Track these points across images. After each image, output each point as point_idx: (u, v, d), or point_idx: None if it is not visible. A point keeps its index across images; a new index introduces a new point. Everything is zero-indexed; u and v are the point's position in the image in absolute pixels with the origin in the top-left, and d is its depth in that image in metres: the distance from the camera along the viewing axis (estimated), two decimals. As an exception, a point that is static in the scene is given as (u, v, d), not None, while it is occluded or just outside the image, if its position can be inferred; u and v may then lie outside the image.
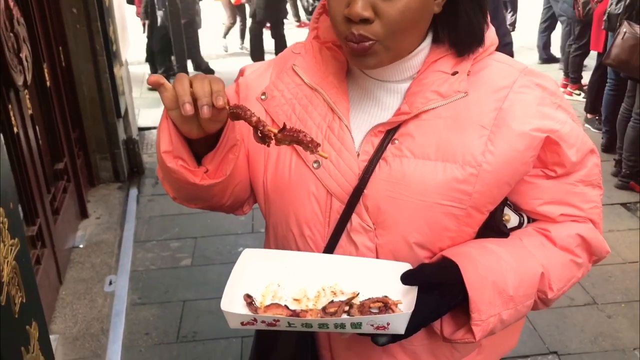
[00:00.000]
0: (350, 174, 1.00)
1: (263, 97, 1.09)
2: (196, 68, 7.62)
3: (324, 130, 1.03)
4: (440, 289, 0.96)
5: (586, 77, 5.69)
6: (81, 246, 3.51)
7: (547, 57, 7.18)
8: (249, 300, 0.96)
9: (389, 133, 1.00)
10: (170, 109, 0.91)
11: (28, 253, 1.54)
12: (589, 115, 5.05)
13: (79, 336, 2.78)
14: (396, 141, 0.99)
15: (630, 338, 2.71)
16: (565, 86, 6.00)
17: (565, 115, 1.02)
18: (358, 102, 1.05)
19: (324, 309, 0.94)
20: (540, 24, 6.98)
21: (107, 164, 4.31)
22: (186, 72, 6.00)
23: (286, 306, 0.95)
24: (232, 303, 0.94)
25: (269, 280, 1.01)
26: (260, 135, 0.91)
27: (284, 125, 0.91)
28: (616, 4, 4.00)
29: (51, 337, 2.77)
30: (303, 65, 1.08)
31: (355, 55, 0.95)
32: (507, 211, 1.06)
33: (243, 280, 0.99)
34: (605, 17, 4.21)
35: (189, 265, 3.41)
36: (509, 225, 1.06)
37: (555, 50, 7.06)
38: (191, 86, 0.89)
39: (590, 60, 5.60)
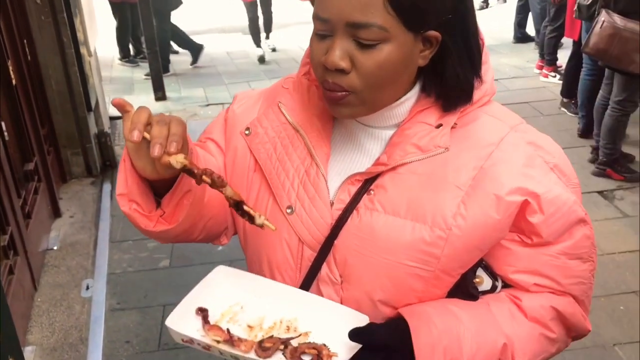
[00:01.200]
0: (322, 223, 0.98)
1: (247, 132, 1.06)
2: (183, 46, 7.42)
3: (300, 175, 1.01)
4: (385, 351, 0.92)
5: (561, 57, 5.70)
6: (55, 248, 3.42)
7: (521, 36, 7.19)
8: (203, 314, 0.97)
9: (367, 182, 0.97)
10: (126, 138, 0.87)
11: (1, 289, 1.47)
12: (564, 99, 5.06)
13: (57, 346, 2.71)
14: (372, 192, 0.96)
15: (610, 334, 2.74)
16: (540, 67, 6.01)
17: (556, 179, 0.95)
18: (340, 146, 1.02)
19: (260, 342, 0.93)
20: (517, 4, 6.96)
21: (79, 159, 4.19)
22: (157, 57, 5.85)
23: (228, 330, 0.95)
24: (183, 315, 0.97)
25: (235, 301, 1.01)
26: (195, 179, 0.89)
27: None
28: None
29: (28, 348, 2.72)
30: (289, 103, 1.04)
31: (329, 103, 0.93)
32: (481, 273, 1.01)
33: (207, 296, 1.00)
34: (575, 7, 4.19)
35: (167, 266, 3.34)
36: (481, 288, 1.01)
37: (530, 29, 7.07)
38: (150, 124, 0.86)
39: (567, 40, 5.58)
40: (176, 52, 7.62)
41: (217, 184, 0.88)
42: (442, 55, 0.91)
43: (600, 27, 3.70)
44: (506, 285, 1.02)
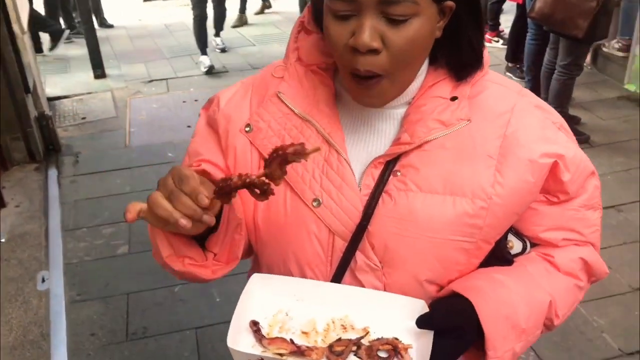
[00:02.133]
0: (354, 211, 0.94)
1: (248, 129, 1.00)
2: (100, 24, 7.12)
3: (320, 165, 0.96)
4: (456, 332, 0.93)
5: (504, 22, 5.79)
6: (3, 240, 3.25)
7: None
8: (255, 327, 0.92)
9: (389, 164, 0.95)
10: (164, 229, 0.83)
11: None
12: (509, 64, 5.15)
13: (16, 344, 2.59)
14: (398, 173, 0.94)
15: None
16: (483, 33, 6.07)
17: (566, 137, 1.00)
18: (352, 131, 0.99)
19: (330, 347, 0.90)
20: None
21: (20, 144, 3.97)
22: (93, 30, 5.57)
23: (292, 340, 0.91)
24: (238, 335, 0.90)
25: (277, 308, 0.96)
26: (258, 191, 0.81)
27: (266, 157, 0.80)
28: None
29: (-14, 349, 2.59)
30: (289, 92, 0.99)
31: (359, 93, 0.91)
32: (511, 237, 1.04)
33: (250, 308, 0.95)
34: None
35: (126, 252, 3.23)
36: (513, 252, 1.04)
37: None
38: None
39: (509, 6, 5.66)
40: (111, 26, 7.31)
41: (261, 184, 0.80)
42: (457, 25, 0.90)
43: (546, -8, 3.75)
44: (532, 245, 1.06)
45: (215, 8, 5.86)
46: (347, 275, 0.97)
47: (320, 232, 0.96)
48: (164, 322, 2.73)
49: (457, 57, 0.94)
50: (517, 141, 0.94)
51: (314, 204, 0.95)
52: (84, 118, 4.84)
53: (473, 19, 0.91)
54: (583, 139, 4.06)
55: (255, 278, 0.97)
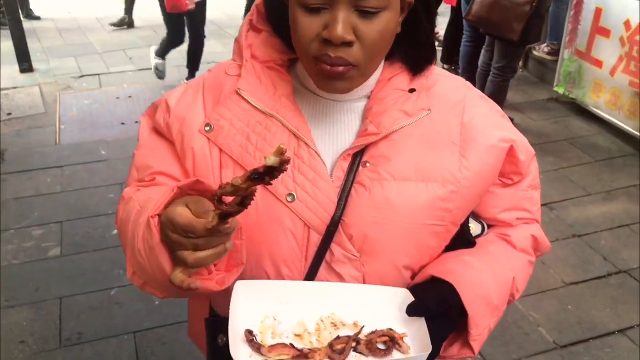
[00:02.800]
0: (329, 203, 0.95)
1: (208, 128, 0.97)
2: (26, 16, 6.80)
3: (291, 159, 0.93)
4: (445, 316, 0.97)
5: (438, 24, 5.90)
6: None
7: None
8: (250, 337, 0.89)
9: (357, 155, 0.96)
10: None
11: None
12: (445, 65, 5.26)
13: (-62, 355, 2.43)
14: (367, 164, 0.95)
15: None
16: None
17: (510, 124, 1.07)
18: (316, 125, 0.99)
19: (330, 345, 0.90)
20: None
21: (-61, 141, 3.73)
22: (19, 21, 5.30)
23: (291, 344, 0.89)
24: (237, 348, 0.87)
25: (264, 314, 0.95)
26: (242, 203, 0.76)
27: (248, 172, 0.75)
28: None
29: None
30: (249, 88, 0.98)
31: (324, 78, 0.89)
32: (470, 220, 1.09)
33: (239, 318, 0.92)
34: None
35: (58, 255, 3.08)
36: (474, 234, 1.10)
37: None
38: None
39: (443, 8, 5.77)
40: (38, 18, 6.99)
41: (249, 194, 0.75)
42: (415, 20, 0.93)
43: (482, -4, 3.85)
44: (489, 226, 1.13)
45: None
46: (322, 269, 0.97)
47: (295, 227, 0.95)
48: (100, 326, 2.62)
49: (415, 51, 0.97)
50: (476, 128, 1.00)
51: (288, 199, 0.94)
52: (9, 114, 4.59)
53: (428, 14, 0.95)
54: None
55: (237, 287, 0.93)
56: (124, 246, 0.97)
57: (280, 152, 0.70)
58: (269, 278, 0.98)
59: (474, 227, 1.09)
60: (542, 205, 3.43)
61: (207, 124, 0.97)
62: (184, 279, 0.81)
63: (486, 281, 1.00)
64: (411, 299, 0.95)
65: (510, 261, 1.07)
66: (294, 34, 0.88)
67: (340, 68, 0.86)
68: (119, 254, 3.06)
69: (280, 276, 0.98)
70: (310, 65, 0.90)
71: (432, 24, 0.97)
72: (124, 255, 0.96)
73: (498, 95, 4.13)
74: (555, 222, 3.38)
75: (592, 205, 3.54)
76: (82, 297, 2.79)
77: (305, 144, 0.95)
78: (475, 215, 1.10)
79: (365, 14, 0.84)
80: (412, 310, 0.94)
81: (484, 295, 0.98)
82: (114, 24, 6.72)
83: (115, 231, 3.23)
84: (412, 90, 0.98)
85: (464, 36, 4.62)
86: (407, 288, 0.99)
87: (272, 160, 0.71)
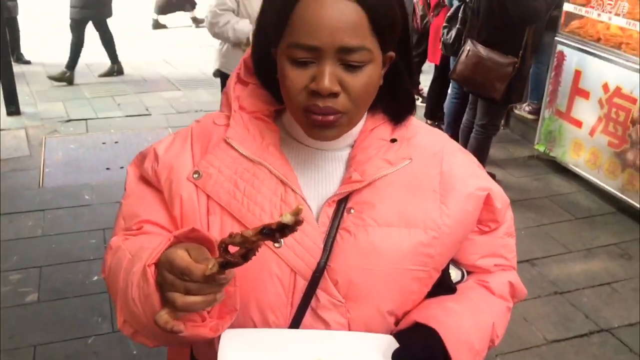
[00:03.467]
0: (315, 248, 0.96)
1: (196, 176, 0.99)
2: (17, 60, 6.85)
3: (277, 206, 0.97)
4: None
5: (422, 81, 6.04)
6: None
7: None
8: None
9: (341, 202, 0.99)
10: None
11: None
12: (428, 121, 5.36)
13: None
14: (352, 210, 0.98)
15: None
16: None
17: (486, 174, 1.12)
18: (302, 172, 1.02)
19: None
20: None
21: None
22: (9, 64, 5.34)
23: None
24: None
25: None
26: (246, 256, 0.77)
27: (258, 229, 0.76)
28: (447, 34, 4.30)
29: None
30: (237, 137, 1.01)
31: (315, 127, 0.93)
32: (451, 267, 1.12)
33: None
34: (441, 45, 4.50)
35: (35, 301, 3.02)
36: (454, 280, 1.13)
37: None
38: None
39: (427, 66, 5.92)
40: (28, 62, 7.04)
41: (254, 248, 0.76)
42: (395, 74, 0.98)
43: (466, 56, 3.97)
44: (468, 273, 1.15)
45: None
46: (308, 315, 0.98)
47: (282, 273, 0.96)
48: (75, 376, 2.56)
49: (396, 102, 1.03)
50: (455, 177, 1.04)
51: (276, 244, 0.95)
52: (-6, 156, 4.58)
53: (407, 68, 1.01)
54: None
55: (225, 337, 0.93)
56: (113, 295, 0.97)
57: (296, 212, 0.72)
58: (255, 325, 0.98)
59: (454, 274, 1.12)
60: (524, 261, 3.46)
61: (196, 172, 0.99)
62: (168, 320, 0.80)
63: (468, 327, 1.02)
64: (396, 345, 0.96)
65: (490, 307, 1.10)
66: (283, 86, 0.92)
67: (331, 117, 0.91)
68: (98, 301, 3.01)
69: (266, 323, 0.98)
70: (300, 116, 0.93)
71: (412, 78, 1.03)
72: (114, 304, 0.96)
73: (480, 152, 4.21)
74: (537, 278, 3.39)
75: (573, 263, 3.57)
76: (58, 346, 2.72)
77: (292, 190, 0.97)
78: (455, 262, 1.13)
79: (350, 67, 0.88)
80: (397, 357, 0.95)
81: (467, 340, 1.00)
82: (102, 75, 6.78)
83: (96, 277, 3.21)
84: (393, 140, 1.02)
85: (450, 92, 4.74)
86: (392, 334, 1.00)
87: (287, 218, 0.72)
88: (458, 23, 4.18)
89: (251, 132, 1.01)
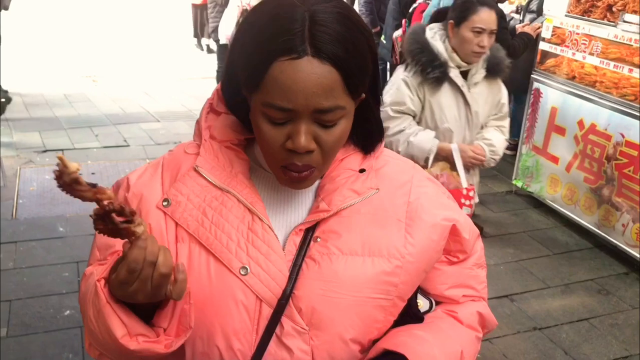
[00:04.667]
0: (281, 276, 0.98)
1: (165, 203, 1.00)
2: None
3: (245, 233, 0.99)
4: None
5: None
6: None
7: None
8: None
9: (308, 231, 1.01)
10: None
11: None
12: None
13: None
14: (318, 239, 1.00)
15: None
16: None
17: (455, 204, 1.13)
18: (270, 201, 1.04)
19: None
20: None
21: None
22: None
23: None
24: None
25: None
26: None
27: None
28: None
29: None
30: (206, 166, 1.02)
31: (292, 181, 0.96)
32: (419, 297, 1.14)
33: None
34: None
35: (4, 336, 2.92)
36: (422, 310, 1.14)
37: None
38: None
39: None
40: (5, 92, 6.95)
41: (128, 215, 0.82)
42: (365, 107, 1.00)
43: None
44: (437, 303, 1.16)
45: None
46: (273, 342, 0.98)
47: (247, 300, 0.97)
48: (43, 416, 2.46)
49: (366, 134, 1.05)
50: (422, 207, 1.06)
51: (242, 272, 0.96)
52: (-34, 186, 4.48)
53: (376, 101, 1.03)
54: (485, 233, 4.27)
55: None
56: (83, 320, 0.98)
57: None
58: (220, 353, 0.98)
59: (422, 304, 1.13)
60: (503, 296, 3.45)
61: (165, 199, 1.00)
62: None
63: (437, 354, 1.02)
64: None
65: (459, 336, 1.10)
66: (260, 140, 0.94)
67: (304, 173, 0.94)
68: (69, 337, 2.93)
69: (231, 350, 0.98)
70: (276, 170, 0.96)
71: (378, 110, 1.06)
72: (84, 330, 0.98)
73: (460, 187, 4.22)
74: (517, 314, 3.38)
75: (551, 299, 3.57)
76: (25, 383, 2.63)
77: (260, 218, 0.99)
78: (423, 292, 1.14)
79: (325, 124, 0.90)
80: None
81: None
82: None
83: (68, 312, 3.12)
84: (362, 171, 1.04)
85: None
86: None
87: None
88: None
89: (221, 160, 1.02)
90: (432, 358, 1.01)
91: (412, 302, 1.08)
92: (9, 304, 3.16)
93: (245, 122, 1.02)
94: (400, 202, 1.05)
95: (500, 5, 3.95)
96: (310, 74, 0.85)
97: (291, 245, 1.00)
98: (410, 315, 1.08)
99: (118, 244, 1.00)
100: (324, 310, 0.98)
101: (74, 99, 6.99)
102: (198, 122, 1.07)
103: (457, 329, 1.11)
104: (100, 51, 9.49)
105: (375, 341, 1.04)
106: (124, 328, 0.88)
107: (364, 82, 0.93)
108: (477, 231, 1.14)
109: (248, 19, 0.93)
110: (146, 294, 0.86)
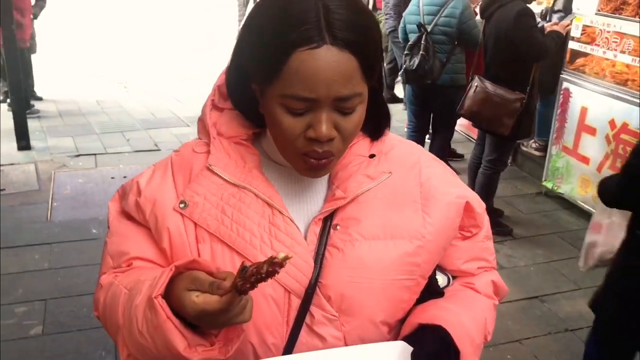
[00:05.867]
0: (307, 267, 0.99)
1: (182, 205, 1.00)
2: (30, 96, 6.94)
3: (267, 228, 0.99)
4: (446, 355, 1.01)
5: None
6: None
7: (390, 97, 7.57)
8: None
9: (327, 219, 1.02)
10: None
11: None
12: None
13: None
14: (338, 227, 1.01)
15: (500, 383, 2.85)
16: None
17: (461, 182, 1.17)
18: (286, 193, 1.04)
19: None
20: (386, 66, 7.35)
21: None
22: (21, 100, 5.42)
23: None
24: None
25: None
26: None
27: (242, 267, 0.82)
28: (410, 61, 4.46)
29: None
30: (219, 163, 1.01)
31: (312, 169, 0.96)
32: (437, 273, 1.16)
33: None
34: (401, 73, 4.71)
35: (39, 334, 3.00)
36: (441, 286, 1.17)
37: (399, 91, 7.49)
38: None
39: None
40: (40, 98, 7.15)
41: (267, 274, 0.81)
42: (373, 93, 0.99)
43: (474, 92, 4.01)
44: (453, 278, 1.20)
45: None
46: (304, 332, 1.00)
47: (276, 293, 0.98)
48: (77, 411, 2.51)
49: (373, 119, 1.04)
50: (434, 187, 1.08)
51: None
52: (3, 189, 4.60)
53: (380, 84, 1.04)
54: (506, 232, 4.22)
55: None
56: (110, 330, 0.99)
57: (286, 258, 0.80)
58: (254, 348, 0.99)
59: (441, 279, 1.17)
60: (533, 297, 3.40)
61: (182, 202, 1.00)
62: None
63: (467, 322, 1.06)
64: (409, 348, 0.99)
65: (480, 305, 1.14)
66: (277, 131, 0.94)
67: (324, 160, 0.94)
68: (102, 335, 2.97)
69: (264, 344, 0.99)
70: (295, 159, 0.96)
71: (382, 94, 1.07)
72: (112, 338, 0.98)
73: (489, 188, 4.20)
74: (548, 315, 3.34)
75: (583, 300, 3.49)
76: (60, 380, 2.69)
77: (279, 212, 0.99)
78: (440, 268, 1.17)
79: (344, 111, 0.91)
80: (416, 357, 0.97)
81: (468, 334, 1.04)
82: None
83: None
84: (372, 156, 1.05)
85: (408, 126, 4.92)
86: (402, 339, 1.02)
87: (282, 256, 0.80)
88: (421, 50, 4.35)
89: (232, 157, 1.02)
90: (464, 326, 1.04)
91: (432, 279, 1.11)
92: (44, 303, 3.24)
93: (249, 116, 1.02)
94: (413, 183, 1.07)
95: (529, 5, 3.91)
96: (330, 62, 0.86)
97: (312, 235, 1.00)
98: (430, 291, 1.10)
99: (132, 250, 1.02)
100: (353, 296, 0.99)
101: (106, 105, 7.14)
102: (202, 120, 1.06)
103: (478, 299, 1.15)
104: (132, 58, 9.67)
105: (401, 321, 1.07)
106: (184, 341, 0.87)
107: (377, 67, 0.95)
108: (484, 205, 1.17)
109: (255, 13, 0.94)
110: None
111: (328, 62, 0.86)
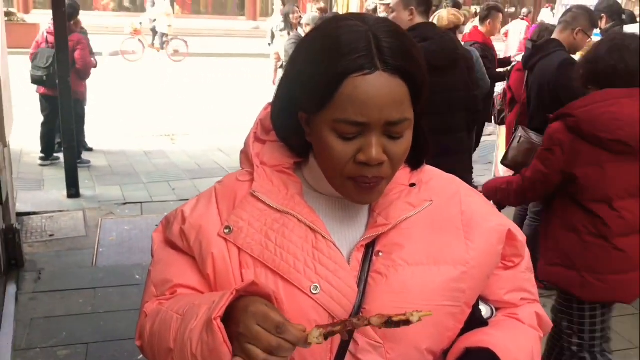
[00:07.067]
0: (351, 292, 0.98)
1: (227, 231, 1.01)
2: (80, 147, 7.20)
3: (310, 252, 1.00)
4: None
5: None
6: (-54, 357, 3.01)
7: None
8: None
9: (368, 246, 1.02)
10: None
11: None
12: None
13: None
14: (380, 253, 1.01)
15: None
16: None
17: (502, 214, 1.17)
18: (327, 220, 1.04)
19: None
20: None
21: (-19, 256, 3.81)
22: (73, 150, 5.62)
23: None
24: None
25: None
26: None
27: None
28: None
29: None
30: (263, 190, 1.04)
31: (362, 193, 0.98)
32: (480, 304, 1.15)
33: None
34: (494, 112, 4.63)
35: (81, 377, 3.01)
36: (484, 317, 1.15)
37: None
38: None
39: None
40: (90, 149, 7.39)
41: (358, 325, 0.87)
42: (415, 124, 0.99)
43: (518, 142, 3.95)
44: (496, 309, 1.18)
45: None
46: (348, 359, 0.99)
47: (320, 318, 0.97)
48: None
49: (415, 150, 1.04)
50: (476, 214, 1.09)
51: (313, 290, 0.97)
52: (51, 235, 4.72)
53: (422, 114, 1.03)
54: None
55: None
56: (159, 357, 0.98)
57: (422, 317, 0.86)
58: None
59: (484, 310, 1.15)
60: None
61: (227, 227, 1.01)
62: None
63: (513, 350, 1.05)
64: None
65: (526, 335, 1.13)
66: (326, 156, 0.96)
67: (373, 184, 0.96)
68: (142, 380, 2.97)
69: None
70: (343, 184, 0.97)
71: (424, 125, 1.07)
72: None
73: (536, 239, 4.08)
74: None
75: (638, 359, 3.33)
76: None
77: (323, 236, 1.00)
78: (483, 299, 1.16)
79: (393, 136, 0.94)
80: None
81: (516, 359, 1.04)
82: None
83: (141, 356, 3.16)
84: (412, 185, 1.07)
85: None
86: None
87: (415, 318, 0.87)
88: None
89: (275, 184, 1.04)
90: (510, 352, 1.03)
91: (475, 309, 1.10)
92: (87, 346, 3.26)
93: (292, 146, 1.05)
94: (454, 212, 1.07)
95: (573, 55, 3.89)
96: (383, 87, 0.89)
97: (354, 262, 1.01)
98: (474, 321, 1.09)
99: (175, 278, 1.03)
100: None
101: (153, 156, 7.33)
102: (244, 152, 1.09)
103: (524, 329, 1.14)
104: (178, 112, 9.97)
105: (445, 352, 1.05)
106: None
107: (424, 93, 0.96)
108: (524, 237, 1.17)
109: (302, 47, 0.98)
110: None
111: (380, 87, 0.89)
